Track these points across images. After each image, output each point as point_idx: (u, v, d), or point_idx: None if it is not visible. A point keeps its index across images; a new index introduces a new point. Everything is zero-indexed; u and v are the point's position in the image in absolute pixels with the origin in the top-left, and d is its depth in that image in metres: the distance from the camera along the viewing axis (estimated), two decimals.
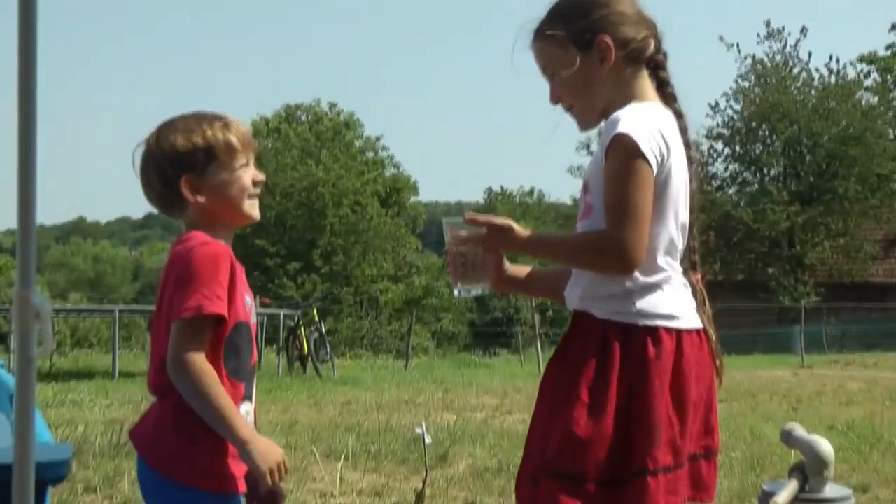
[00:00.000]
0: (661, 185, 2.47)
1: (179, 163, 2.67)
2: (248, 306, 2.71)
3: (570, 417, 2.39)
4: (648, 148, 2.42)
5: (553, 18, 2.64)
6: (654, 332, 2.46)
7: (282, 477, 2.48)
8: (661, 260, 2.52)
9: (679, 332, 2.49)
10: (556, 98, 2.67)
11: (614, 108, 2.54)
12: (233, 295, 2.60)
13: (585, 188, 2.60)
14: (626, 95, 2.58)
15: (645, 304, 2.48)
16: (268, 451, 2.48)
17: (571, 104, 2.66)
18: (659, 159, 2.45)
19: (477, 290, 2.77)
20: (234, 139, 2.72)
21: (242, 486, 2.61)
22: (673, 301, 2.52)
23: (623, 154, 2.41)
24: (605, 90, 2.59)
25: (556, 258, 2.69)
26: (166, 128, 2.73)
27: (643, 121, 2.47)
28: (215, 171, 2.68)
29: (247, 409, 2.65)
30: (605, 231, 2.42)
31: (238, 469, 2.58)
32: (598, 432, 2.38)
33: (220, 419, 2.46)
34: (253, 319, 2.74)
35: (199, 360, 2.48)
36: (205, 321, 2.51)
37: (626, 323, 2.46)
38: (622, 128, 2.42)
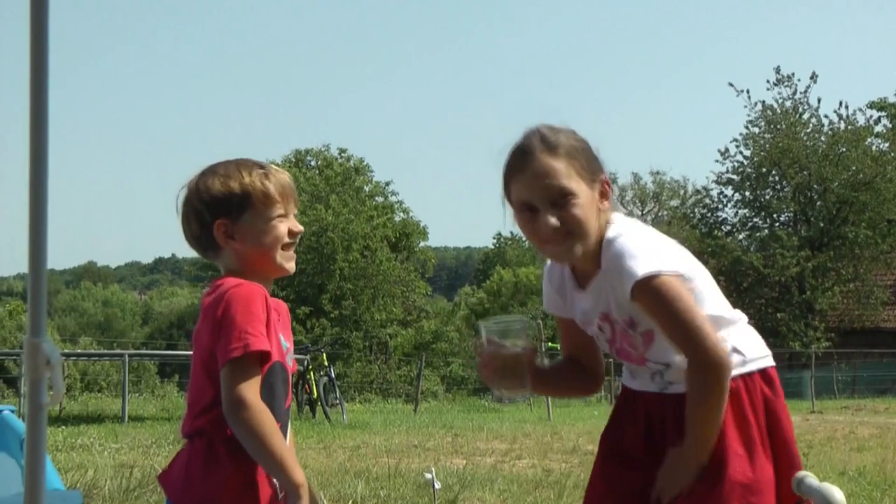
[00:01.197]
0: (690, 275, 2.61)
1: (215, 207, 2.71)
2: (286, 349, 2.73)
3: (735, 472, 2.52)
4: (667, 265, 2.53)
5: (572, 142, 2.61)
6: (764, 372, 2.68)
7: None
8: (728, 314, 2.70)
9: (775, 367, 2.71)
10: (569, 226, 2.57)
11: (593, 244, 2.61)
12: (268, 334, 2.61)
13: (631, 324, 2.65)
14: (603, 232, 2.64)
15: (747, 351, 2.66)
16: (313, 499, 2.52)
17: (567, 235, 2.59)
18: (679, 268, 2.57)
19: (519, 397, 2.77)
20: (271, 188, 2.75)
21: None
22: (759, 339, 2.74)
23: (653, 293, 2.50)
24: (596, 226, 2.61)
25: (713, 428, 2.59)
26: (207, 172, 2.78)
27: (643, 244, 2.57)
28: (250, 218, 2.72)
29: None
30: (692, 367, 2.51)
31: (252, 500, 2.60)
32: (764, 475, 2.53)
33: (276, 460, 2.49)
34: (289, 362, 2.76)
35: (256, 400, 2.50)
36: (253, 359, 2.53)
37: (742, 373, 2.62)
38: (638, 271, 2.50)
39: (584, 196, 2.55)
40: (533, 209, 2.57)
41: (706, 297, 2.63)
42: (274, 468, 2.50)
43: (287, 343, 2.75)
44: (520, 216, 2.61)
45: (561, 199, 2.54)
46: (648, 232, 2.66)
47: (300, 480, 2.47)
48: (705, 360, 2.46)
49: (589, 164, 2.60)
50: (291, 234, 2.79)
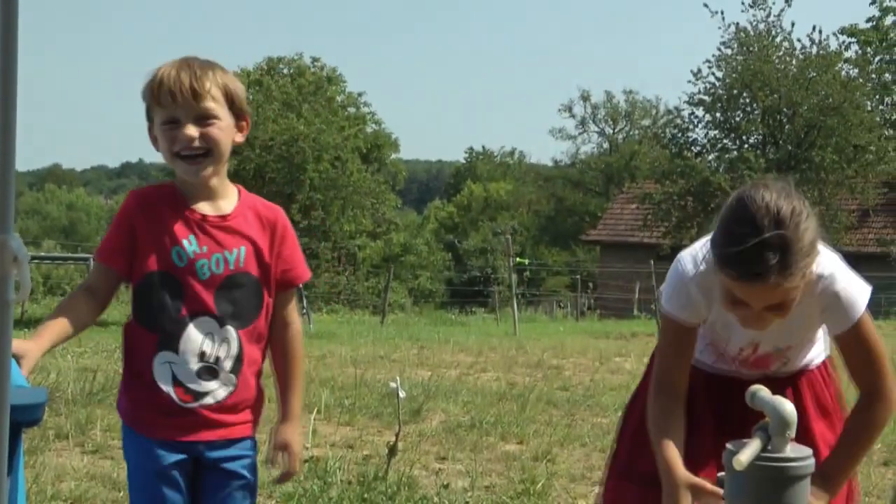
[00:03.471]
0: None
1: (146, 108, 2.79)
2: (178, 254, 2.66)
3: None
4: (867, 296, 2.66)
5: (800, 260, 2.42)
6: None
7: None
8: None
9: None
10: (771, 322, 2.57)
11: None
12: (137, 246, 2.64)
13: (788, 348, 2.79)
14: None
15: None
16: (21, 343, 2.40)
17: (772, 320, 2.57)
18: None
19: None
20: (149, 91, 2.70)
21: (152, 433, 2.66)
22: None
23: (861, 334, 2.63)
24: None
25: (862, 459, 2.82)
26: None
27: (852, 280, 2.65)
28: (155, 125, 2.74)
29: (170, 359, 2.65)
30: (870, 400, 2.64)
31: (143, 415, 2.69)
32: None
33: None
34: (199, 266, 2.68)
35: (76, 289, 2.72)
36: (96, 261, 2.73)
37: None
38: (856, 314, 2.61)
39: (800, 289, 2.49)
40: (744, 303, 2.50)
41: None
42: None
43: (196, 247, 2.68)
44: (729, 301, 2.52)
45: (780, 307, 2.50)
46: (838, 258, 2.71)
47: (21, 348, 2.37)
48: (886, 397, 2.61)
49: (815, 254, 2.49)
50: (176, 141, 2.67)
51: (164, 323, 2.65)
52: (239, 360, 2.72)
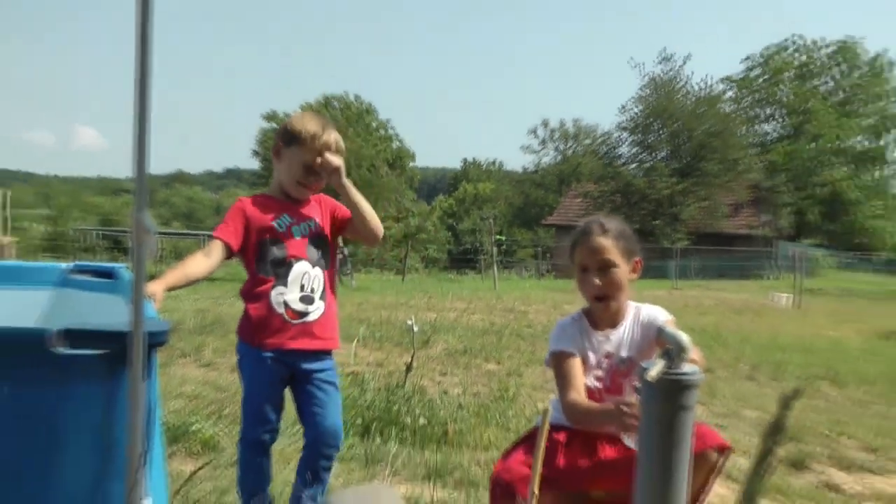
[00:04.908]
0: None
1: (280, 133, 2.96)
2: (279, 224, 2.82)
3: None
4: None
5: (619, 229, 2.61)
6: None
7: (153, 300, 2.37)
8: None
9: None
10: (608, 288, 2.55)
11: (623, 304, 2.61)
12: (251, 227, 2.78)
13: (630, 360, 2.59)
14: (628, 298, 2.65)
15: None
16: (150, 284, 2.42)
17: (607, 296, 2.56)
18: None
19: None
20: (304, 139, 2.89)
21: (268, 346, 2.74)
22: None
23: (672, 324, 2.56)
24: (627, 292, 2.61)
25: None
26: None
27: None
28: (290, 152, 2.91)
29: (281, 291, 2.78)
30: None
31: (262, 334, 2.75)
32: None
33: None
34: (294, 231, 2.83)
35: (201, 251, 2.73)
36: (216, 238, 2.74)
37: None
38: (666, 316, 2.65)
39: (621, 267, 2.56)
40: (586, 270, 2.57)
41: None
42: None
43: (289, 219, 2.84)
44: (577, 273, 2.60)
45: (605, 267, 2.55)
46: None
47: (150, 288, 2.40)
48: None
49: (628, 246, 2.59)
50: (313, 181, 2.87)
51: (277, 268, 2.77)
52: (324, 291, 2.85)
